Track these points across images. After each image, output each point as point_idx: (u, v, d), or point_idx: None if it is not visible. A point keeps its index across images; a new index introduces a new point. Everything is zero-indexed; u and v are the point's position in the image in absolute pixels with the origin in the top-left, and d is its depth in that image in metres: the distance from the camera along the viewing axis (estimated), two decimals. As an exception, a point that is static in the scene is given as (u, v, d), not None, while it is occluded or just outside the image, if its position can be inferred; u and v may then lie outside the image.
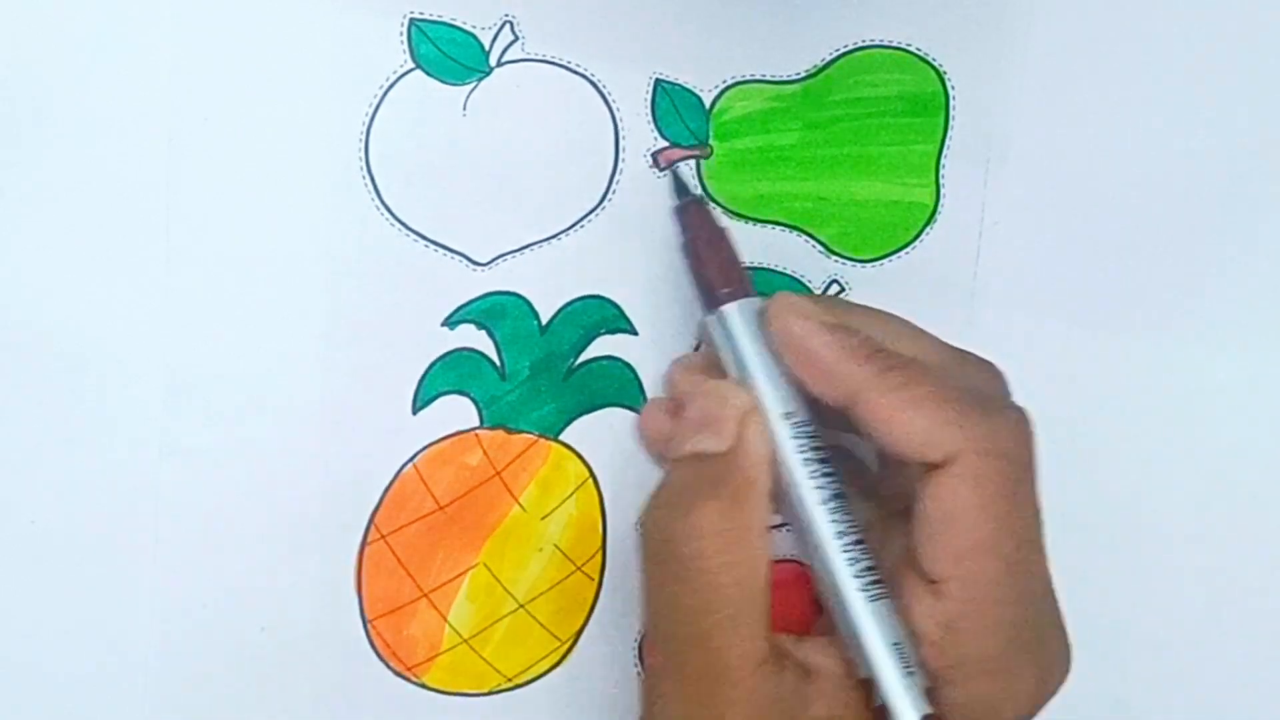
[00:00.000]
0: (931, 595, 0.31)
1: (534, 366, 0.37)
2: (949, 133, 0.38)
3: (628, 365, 0.37)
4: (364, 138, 0.35)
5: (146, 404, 0.35)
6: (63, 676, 0.36)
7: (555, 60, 0.36)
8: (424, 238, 0.36)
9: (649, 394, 0.37)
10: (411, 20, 0.35)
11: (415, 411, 0.37)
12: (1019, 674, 0.31)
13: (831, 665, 0.32)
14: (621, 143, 0.36)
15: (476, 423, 0.37)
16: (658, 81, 0.36)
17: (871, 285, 0.38)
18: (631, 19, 0.36)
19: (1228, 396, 0.40)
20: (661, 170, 0.37)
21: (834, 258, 0.38)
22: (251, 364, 0.36)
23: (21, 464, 0.35)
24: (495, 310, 0.37)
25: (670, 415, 0.35)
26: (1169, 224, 0.39)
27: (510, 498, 0.37)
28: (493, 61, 0.36)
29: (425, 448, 0.37)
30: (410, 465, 0.37)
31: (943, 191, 0.38)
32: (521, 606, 0.38)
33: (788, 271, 0.38)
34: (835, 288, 0.38)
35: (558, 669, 0.38)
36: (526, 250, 0.36)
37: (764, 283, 0.37)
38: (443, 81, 0.35)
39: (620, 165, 0.37)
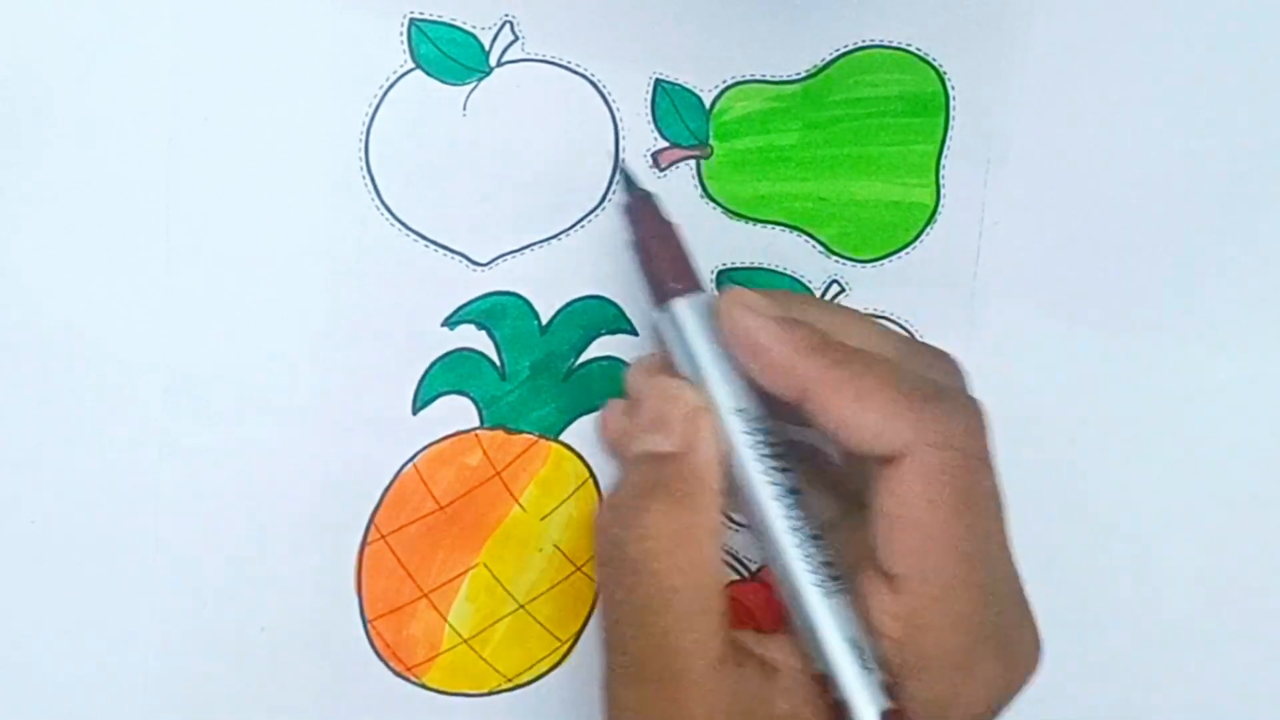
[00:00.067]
0: (890, 591, 0.30)
1: (534, 367, 0.37)
2: (949, 133, 0.38)
3: (628, 366, 0.37)
4: (364, 138, 0.35)
5: (146, 404, 0.35)
6: (63, 676, 0.36)
7: (555, 60, 0.36)
8: (424, 238, 0.36)
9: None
10: (411, 20, 0.35)
11: (415, 411, 0.37)
12: (983, 669, 0.31)
13: (794, 662, 0.31)
14: (621, 143, 0.36)
15: (476, 423, 0.37)
16: (658, 81, 0.36)
17: (871, 285, 0.38)
18: (631, 19, 0.36)
19: (1228, 396, 0.40)
20: (662, 170, 0.37)
21: (834, 258, 0.38)
22: (251, 364, 0.36)
23: (21, 464, 0.35)
24: (495, 310, 0.37)
25: (628, 416, 0.35)
26: (1169, 224, 0.39)
27: (510, 498, 0.37)
28: (493, 61, 0.36)
29: (425, 448, 0.37)
30: (410, 465, 0.37)
31: (943, 191, 0.38)
32: (521, 607, 0.38)
33: (788, 271, 0.38)
34: (835, 288, 0.38)
35: (558, 669, 0.38)
36: (526, 250, 0.36)
37: (764, 283, 0.37)
38: (443, 81, 0.35)
39: (620, 165, 0.36)
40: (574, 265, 0.37)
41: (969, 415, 0.31)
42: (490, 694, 0.38)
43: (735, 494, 0.32)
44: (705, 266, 0.37)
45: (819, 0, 0.37)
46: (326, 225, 0.35)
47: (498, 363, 0.37)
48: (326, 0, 0.35)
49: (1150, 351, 0.39)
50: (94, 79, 0.34)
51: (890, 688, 0.30)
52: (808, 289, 0.38)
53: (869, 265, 0.38)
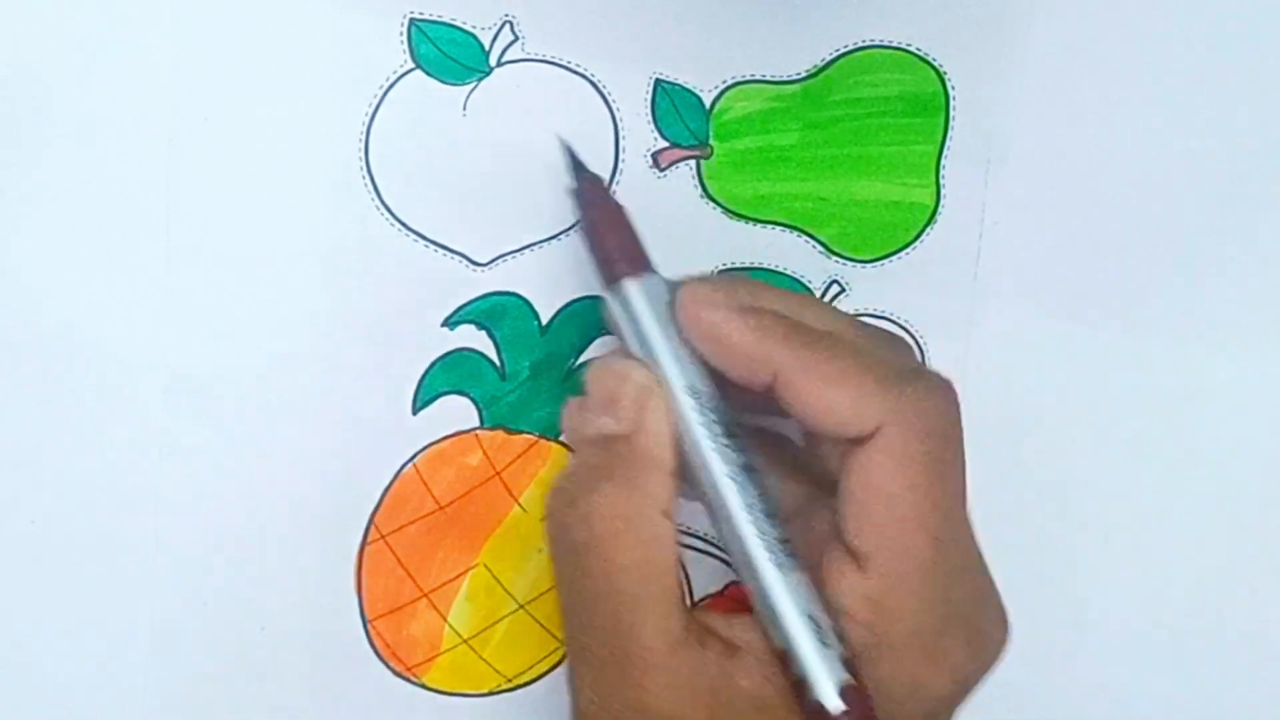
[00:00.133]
0: (857, 571, 0.30)
1: (534, 367, 0.37)
2: (949, 133, 0.38)
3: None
4: (364, 138, 0.35)
5: (146, 404, 0.35)
6: (62, 676, 0.36)
7: (555, 60, 0.36)
8: (424, 238, 0.36)
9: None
10: (411, 20, 0.35)
11: (415, 411, 0.37)
12: (949, 649, 0.31)
13: (758, 641, 0.31)
14: (621, 143, 0.36)
15: (476, 423, 0.37)
16: (658, 81, 0.36)
17: (872, 286, 0.38)
18: (631, 19, 0.36)
19: (1228, 396, 0.40)
20: (662, 170, 0.37)
21: (834, 258, 0.38)
22: (251, 364, 0.36)
23: (21, 464, 0.35)
24: (495, 310, 0.37)
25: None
26: (1169, 224, 0.39)
27: (510, 498, 0.37)
28: (493, 61, 0.36)
29: (425, 448, 0.37)
30: (410, 465, 0.37)
31: (943, 192, 0.38)
32: (521, 607, 0.38)
33: (788, 272, 0.38)
34: (835, 288, 0.38)
35: (558, 669, 0.38)
36: (526, 250, 0.36)
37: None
38: (443, 81, 0.35)
39: (620, 165, 0.37)
40: (574, 265, 0.37)
41: (940, 394, 0.31)
42: (490, 694, 0.38)
43: (689, 474, 0.32)
44: (705, 266, 0.37)
45: (819, 0, 0.37)
46: (326, 225, 0.35)
47: (498, 363, 0.37)
48: (326, 0, 0.35)
49: (1150, 351, 0.39)
50: (94, 79, 0.34)
51: (849, 663, 0.30)
52: (808, 289, 0.38)
53: (869, 265, 0.38)
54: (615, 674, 0.30)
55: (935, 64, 0.37)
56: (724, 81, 0.37)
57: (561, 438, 0.37)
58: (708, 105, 0.37)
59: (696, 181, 0.37)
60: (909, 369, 0.32)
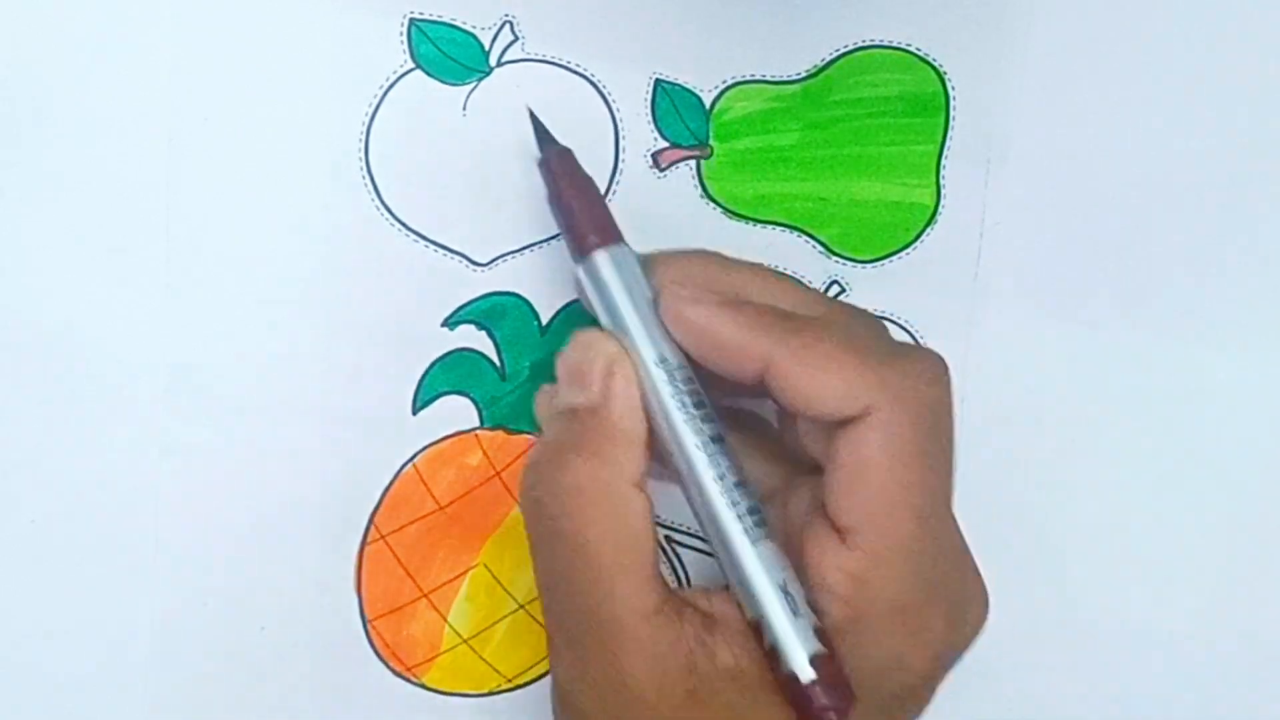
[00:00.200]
0: (841, 546, 0.30)
1: (534, 367, 0.37)
2: (949, 133, 0.38)
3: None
4: (364, 138, 0.35)
5: (146, 403, 0.35)
6: (62, 675, 0.36)
7: (555, 60, 0.36)
8: (424, 238, 0.36)
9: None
10: (411, 20, 0.35)
11: (415, 411, 0.37)
12: (930, 626, 0.30)
13: (736, 614, 0.31)
14: (621, 143, 0.36)
15: (476, 423, 0.37)
16: (658, 81, 0.36)
17: (872, 286, 0.38)
18: (631, 19, 0.36)
19: (1228, 396, 0.40)
20: (662, 170, 0.37)
21: (834, 258, 0.38)
22: (251, 364, 0.36)
23: (21, 464, 0.35)
24: (495, 310, 0.37)
25: None
26: (1169, 224, 0.39)
27: (510, 498, 0.37)
28: (493, 61, 0.36)
29: (425, 448, 0.37)
30: (410, 465, 0.37)
31: (943, 192, 0.38)
32: (521, 607, 0.38)
33: (788, 272, 0.38)
34: (835, 288, 0.38)
35: (558, 669, 0.38)
36: (526, 250, 0.36)
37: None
38: (443, 81, 0.35)
39: (620, 165, 0.37)
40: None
41: (930, 371, 0.31)
42: (490, 694, 0.38)
43: (660, 446, 0.31)
44: (705, 266, 0.37)
45: (819, 0, 0.37)
46: (326, 225, 0.35)
47: (498, 363, 0.37)
48: (326, 0, 0.35)
49: (1150, 351, 0.39)
50: (94, 79, 0.34)
51: (822, 633, 0.30)
52: (808, 289, 0.38)
53: (869, 266, 0.38)
54: (593, 648, 0.30)
55: (935, 64, 0.37)
56: (724, 81, 0.37)
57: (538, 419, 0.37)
58: (708, 105, 0.37)
59: (696, 182, 0.37)
60: (899, 347, 0.32)
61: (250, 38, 0.34)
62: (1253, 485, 0.40)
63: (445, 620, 0.37)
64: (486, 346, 0.37)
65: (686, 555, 0.39)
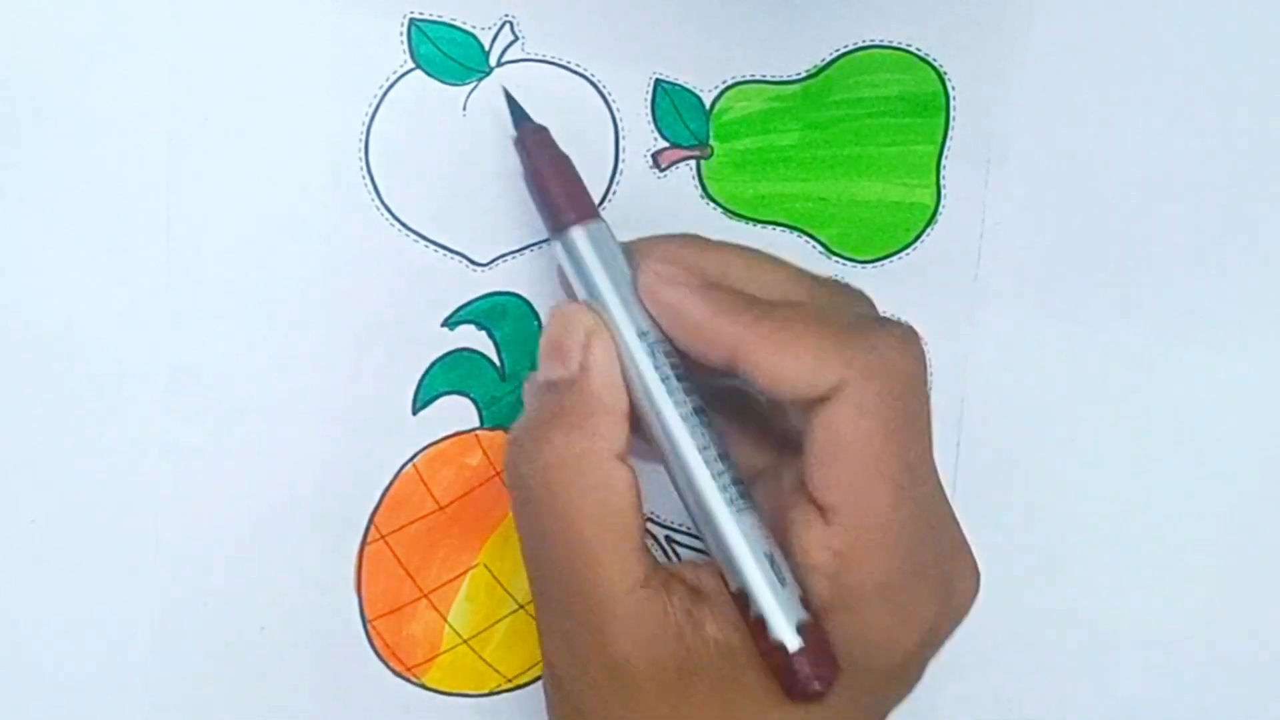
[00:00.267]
0: (822, 524, 0.30)
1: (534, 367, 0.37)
2: (949, 133, 0.38)
3: None
4: (364, 138, 0.35)
5: (146, 404, 0.35)
6: (62, 675, 0.36)
7: (555, 60, 0.36)
8: (424, 238, 0.36)
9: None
10: (411, 20, 0.35)
11: (415, 412, 0.37)
12: (917, 602, 0.30)
13: (723, 586, 0.31)
14: (621, 143, 0.36)
15: (476, 423, 0.37)
16: (658, 81, 0.36)
17: (872, 286, 0.38)
18: (631, 19, 0.36)
19: (1228, 396, 0.40)
20: (662, 170, 0.37)
21: (834, 258, 0.38)
22: (251, 364, 0.36)
23: (21, 464, 0.35)
24: (495, 310, 0.37)
25: None
26: (1169, 224, 0.39)
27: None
28: (493, 61, 0.36)
29: (425, 448, 0.37)
30: (410, 465, 0.37)
31: (943, 192, 0.38)
32: (521, 607, 0.38)
33: (787, 271, 0.38)
34: (835, 288, 0.38)
35: (558, 669, 0.38)
36: (526, 250, 0.36)
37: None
38: (443, 81, 0.35)
39: (620, 165, 0.37)
40: (574, 265, 0.37)
41: (901, 342, 0.31)
42: (490, 694, 0.38)
43: (641, 418, 0.31)
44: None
45: (819, 0, 0.37)
46: (326, 225, 0.35)
47: (498, 363, 0.37)
48: (326, 0, 0.35)
49: (1150, 351, 0.39)
50: (94, 79, 0.34)
51: (807, 602, 0.30)
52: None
53: (869, 266, 0.38)
54: (580, 622, 0.30)
55: (935, 64, 0.37)
56: (724, 82, 0.37)
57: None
58: (708, 105, 0.37)
59: (696, 182, 0.37)
60: (868, 321, 0.31)
61: (250, 37, 0.34)
62: (1253, 485, 0.40)
63: (445, 620, 0.37)
64: (486, 346, 0.37)
65: (687, 555, 0.39)
